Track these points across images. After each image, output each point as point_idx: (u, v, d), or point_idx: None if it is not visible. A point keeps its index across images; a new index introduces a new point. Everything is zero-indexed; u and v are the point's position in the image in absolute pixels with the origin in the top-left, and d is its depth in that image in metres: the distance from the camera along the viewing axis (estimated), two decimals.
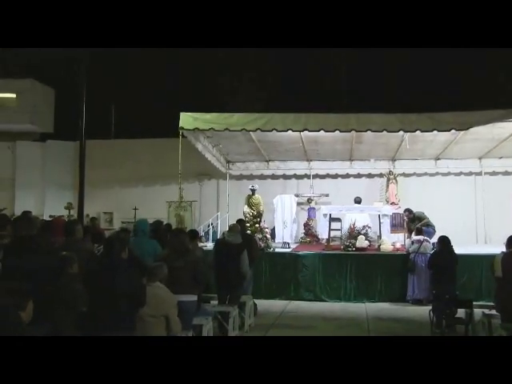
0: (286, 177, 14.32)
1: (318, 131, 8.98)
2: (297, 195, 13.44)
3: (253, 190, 9.98)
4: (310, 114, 8.76)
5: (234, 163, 14.24)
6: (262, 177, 14.32)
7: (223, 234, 6.02)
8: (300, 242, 12.68)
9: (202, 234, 12.38)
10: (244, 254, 5.59)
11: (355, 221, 9.57)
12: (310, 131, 9.08)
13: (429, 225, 9.18)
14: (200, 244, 7.08)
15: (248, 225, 9.43)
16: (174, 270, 4.20)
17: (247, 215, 9.67)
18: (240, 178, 14.46)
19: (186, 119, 9.14)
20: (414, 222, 9.35)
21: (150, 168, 14.57)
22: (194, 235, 5.68)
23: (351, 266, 8.70)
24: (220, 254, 5.64)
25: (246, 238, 6.15)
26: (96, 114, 15.01)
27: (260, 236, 9.25)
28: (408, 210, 9.73)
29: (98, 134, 14.93)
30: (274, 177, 14.35)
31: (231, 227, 5.93)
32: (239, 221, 6.75)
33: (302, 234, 13.11)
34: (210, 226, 12.91)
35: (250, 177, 14.29)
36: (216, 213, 13.88)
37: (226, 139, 11.20)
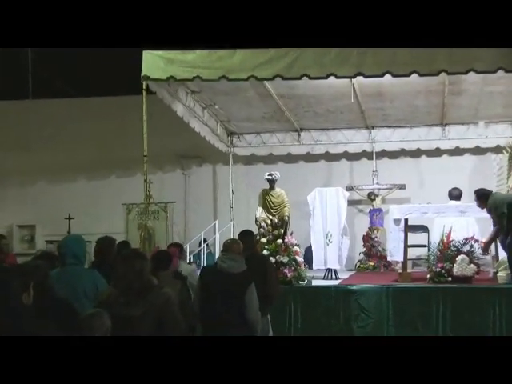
0: (330, 157, 14.53)
1: (382, 76, 8.81)
2: (350, 188, 13.80)
3: (271, 181, 9.87)
4: (368, 49, 8.50)
5: (240, 136, 14.44)
6: (290, 158, 14.56)
7: (218, 258, 5.96)
8: (357, 269, 12.86)
9: (190, 257, 12.42)
10: (251, 291, 5.47)
11: (451, 230, 9.44)
12: (367, 76, 8.92)
13: None
14: (184, 268, 7.05)
15: (263, 240, 9.43)
16: (124, 322, 4.10)
17: (262, 224, 9.64)
18: (252, 160, 14.71)
19: (153, 62, 9.06)
20: None
21: (99, 148, 14.74)
22: (163, 259, 5.65)
23: (445, 310, 8.53)
24: (209, 291, 5.53)
25: (255, 264, 6.04)
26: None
27: (285, 260, 9.20)
28: None
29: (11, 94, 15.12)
30: (309, 158, 14.57)
31: (228, 245, 5.82)
32: (244, 234, 6.65)
33: (361, 256, 13.19)
34: (203, 245, 12.91)
35: (270, 159, 14.52)
36: (213, 221, 13.97)
37: (226, 95, 11.24)
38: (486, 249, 9.18)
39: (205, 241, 13.35)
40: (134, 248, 6.69)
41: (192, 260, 12.00)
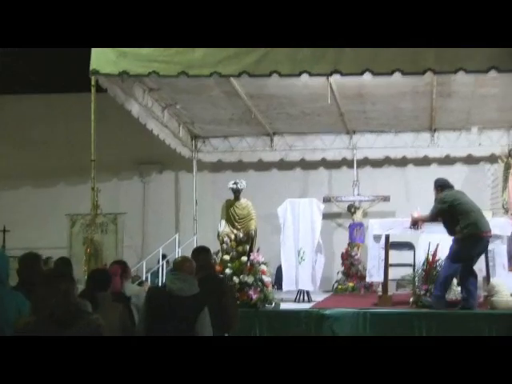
0: (306, 165, 14.56)
1: (361, 74, 8.69)
2: (328, 199, 13.83)
3: (236, 191, 9.72)
4: (345, 49, 8.34)
5: (206, 140, 14.43)
6: (261, 165, 14.59)
7: (166, 278, 5.82)
8: (335, 291, 12.81)
9: (146, 276, 12.27)
10: (203, 317, 5.29)
11: (438, 247, 9.37)
12: (345, 75, 8.80)
13: None
14: (129, 289, 6.91)
15: (226, 257, 9.33)
16: None
17: (225, 239, 9.52)
18: (219, 167, 14.70)
19: (104, 55, 8.84)
20: None
21: (45, 151, 14.65)
22: (100, 279, 5.55)
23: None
24: (156, 315, 5.38)
25: (210, 286, 5.88)
26: None
27: (250, 279, 9.07)
28: None
29: None
30: (283, 165, 14.60)
31: (178, 263, 5.64)
32: (198, 252, 6.48)
33: (340, 275, 13.11)
34: (162, 262, 12.77)
35: (239, 166, 14.52)
36: (174, 234, 13.87)
37: (188, 94, 11.15)
38: (416, 223, 9.26)
39: (164, 257, 13.23)
40: (61, 266, 6.52)
41: (149, 279, 11.83)
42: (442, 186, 9.09)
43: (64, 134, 14.46)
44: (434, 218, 9.00)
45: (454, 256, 8.69)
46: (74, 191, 13.84)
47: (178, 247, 13.13)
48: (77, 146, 13.18)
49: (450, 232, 8.81)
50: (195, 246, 13.14)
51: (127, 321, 5.58)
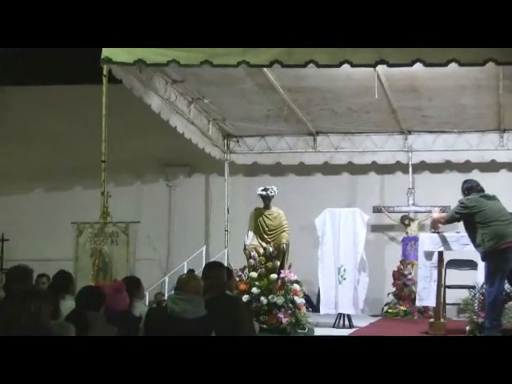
0: (354, 169, 14.48)
1: (412, 65, 8.50)
2: (378, 209, 13.74)
3: (266, 198, 9.71)
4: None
5: (240, 140, 14.44)
6: (303, 169, 14.56)
7: (168, 298, 5.80)
8: (384, 315, 12.72)
9: (169, 294, 12.25)
10: None
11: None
12: (392, 65, 8.62)
13: None
14: (139, 309, 6.92)
15: (253, 274, 9.35)
16: None
17: (253, 254, 9.53)
18: (254, 170, 14.73)
19: (115, 51, 8.86)
20: None
21: (51, 150, 14.72)
22: (91, 297, 5.54)
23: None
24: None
25: (224, 308, 5.83)
26: None
27: (279, 300, 9.07)
28: None
29: None
30: (327, 169, 14.55)
31: (183, 282, 5.59)
32: (211, 268, 6.40)
33: (390, 297, 12.96)
34: None
35: (277, 169, 14.50)
36: (202, 246, 13.85)
37: (217, 87, 11.13)
38: (435, 223, 9.35)
39: (191, 272, 13.20)
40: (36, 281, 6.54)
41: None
42: (468, 189, 8.99)
43: (78, 129, 14.48)
44: (449, 221, 9.09)
45: (487, 276, 8.50)
46: (86, 195, 13.91)
47: (204, 259, 13.25)
48: (91, 144, 13.27)
49: (474, 244, 8.68)
50: (226, 260, 13.25)
51: None
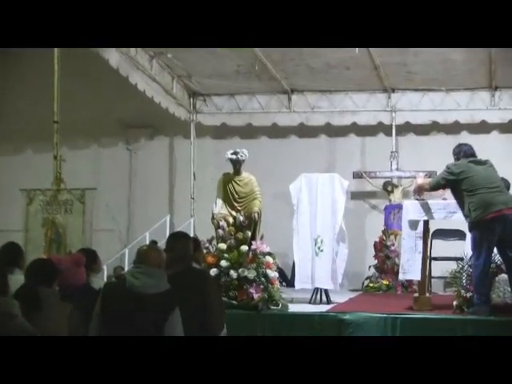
0: (332, 131, 14.51)
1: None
2: (359, 175, 13.78)
3: (236, 163, 9.67)
4: None
5: (207, 98, 14.41)
6: (277, 131, 14.57)
7: (127, 272, 5.78)
8: (365, 289, 12.79)
9: (128, 267, 12.26)
10: (172, 321, 5.25)
11: None
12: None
13: None
14: (97, 284, 6.91)
15: (222, 246, 9.30)
16: None
17: (221, 223, 9.49)
18: (223, 132, 14.74)
19: None
20: None
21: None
22: (42, 271, 5.52)
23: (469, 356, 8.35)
24: (112, 318, 5.33)
25: (185, 281, 5.82)
26: None
27: (251, 274, 9.04)
28: None
29: None
30: (303, 131, 14.57)
31: (143, 253, 5.56)
32: (175, 238, 6.38)
33: (372, 270, 13.08)
34: None
35: (248, 131, 14.52)
36: (165, 215, 13.96)
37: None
38: (419, 190, 9.35)
39: (153, 243, 13.22)
40: None
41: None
42: (458, 153, 9.08)
43: (28, 87, 14.38)
44: (434, 188, 9.09)
45: (473, 248, 8.57)
46: (37, 160, 13.82)
47: (168, 228, 13.27)
48: (42, 103, 13.14)
49: (462, 213, 8.72)
50: (192, 230, 13.25)
51: (78, 324, 5.53)
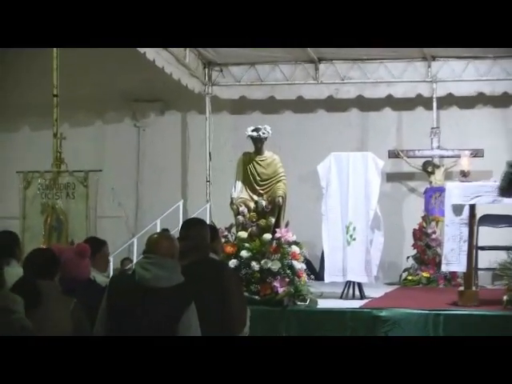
0: (365, 104, 14.51)
1: None
2: (395, 154, 13.74)
3: (258, 141, 9.70)
4: None
5: (224, 69, 14.40)
6: (302, 104, 14.56)
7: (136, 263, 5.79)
8: (402, 283, 12.83)
9: (138, 259, 12.34)
10: (187, 318, 5.24)
11: None
12: None
13: None
14: (100, 279, 6.94)
15: (242, 234, 9.37)
16: None
17: (241, 209, 9.52)
18: (243, 106, 14.77)
19: None
20: None
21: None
22: (42, 263, 5.55)
23: None
24: (120, 314, 5.36)
25: (201, 273, 5.85)
26: None
27: (275, 266, 9.11)
28: None
29: None
30: (332, 104, 14.55)
31: (153, 242, 5.58)
32: (189, 225, 6.42)
33: (410, 261, 13.10)
34: None
35: (270, 105, 14.52)
36: (178, 201, 13.94)
37: None
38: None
39: (165, 231, 13.29)
40: None
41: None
42: None
43: (24, 58, 14.40)
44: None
45: None
46: (35, 138, 13.90)
47: (181, 215, 13.27)
48: (40, 75, 13.21)
49: None
50: (208, 217, 13.28)
51: (81, 320, 5.58)
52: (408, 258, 13.12)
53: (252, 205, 9.66)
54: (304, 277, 9.47)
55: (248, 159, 9.94)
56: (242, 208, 9.58)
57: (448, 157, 13.78)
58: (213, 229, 7.20)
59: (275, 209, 9.65)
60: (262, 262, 9.10)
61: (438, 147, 13.77)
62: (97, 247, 7.01)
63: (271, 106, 14.47)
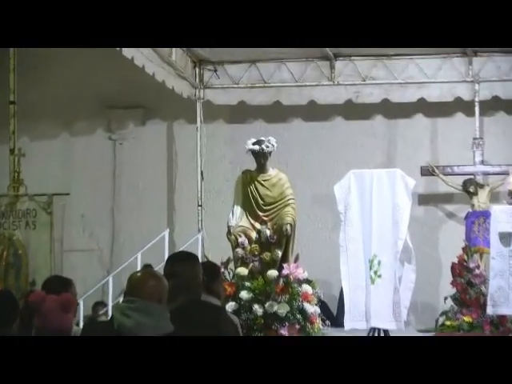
0: (391, 110, 14.54)
1: None
2: (428, 171, 13.71)
3: (261, 156, 9.76)
4: None
5: (219, 67, 14.42)
6: (314, 111, 14.59)
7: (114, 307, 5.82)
8: (439, 329, 12.74)
9: (114, 302, 12.36)
10: None
11: None
12: None
13: None
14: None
15: (242, 271, 9.49)
16: None
17: (241, 240, 9.57)
18: (241, 113, 14.83)
19: None
20: None
21: None
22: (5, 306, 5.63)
23: None
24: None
25: (192, 319, 5.86)
26: None
27: (282, 310, 9.15)
28: None
29: None
30: (351, 111, 14.63)
31: (135, 282, 5.63)
32: (173, 261, 6.47)
33: (449, 302, 13.03)
34: None
35: (275, 111, 14.57)
36: (163, 230, 13.92)
37: None
38: None
39: (148, 267, 13.32)
40: None
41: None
42: None
43: None
44: None
45: None
46: None
47: (166, 248, 13.27)
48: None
49: None
50: (200, 250, 13.32)
51: None
52: (446, 298, 13.07)
53: (254, 235, 9.72)
54: (318, 323, 9.52)
55: (249, 179, 10.00)
56: (242, 239, 9.63)
57: (494, 174, 13.81)
58: (212, 266, 7.22)
59: (282, 239, 9.70)
60: (267, 304, 9.16)
61: (482, 162, 13.75)
62: (61, 288, 7.04)
63: (277, 112, 14.54)
